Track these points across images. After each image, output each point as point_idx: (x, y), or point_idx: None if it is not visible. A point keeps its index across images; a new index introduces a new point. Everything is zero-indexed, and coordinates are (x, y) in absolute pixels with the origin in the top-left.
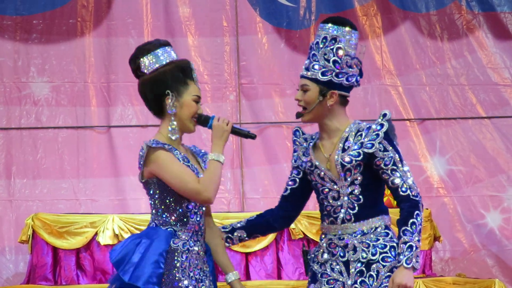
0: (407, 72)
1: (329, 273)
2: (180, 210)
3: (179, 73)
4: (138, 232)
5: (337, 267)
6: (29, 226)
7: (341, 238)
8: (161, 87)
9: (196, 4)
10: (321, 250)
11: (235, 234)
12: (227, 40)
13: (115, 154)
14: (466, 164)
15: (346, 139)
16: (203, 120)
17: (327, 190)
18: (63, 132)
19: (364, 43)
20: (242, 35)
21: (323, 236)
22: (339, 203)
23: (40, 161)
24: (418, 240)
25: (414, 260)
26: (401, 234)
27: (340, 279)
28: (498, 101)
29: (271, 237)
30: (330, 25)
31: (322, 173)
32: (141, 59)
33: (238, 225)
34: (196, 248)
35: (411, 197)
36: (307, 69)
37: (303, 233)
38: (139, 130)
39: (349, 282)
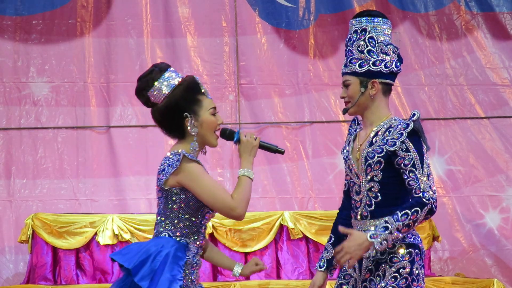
0: (406, 72)
1: (346, 268)
2: (195, 223)
3: (189, 93)
4: (138, 232)
5: None
6: (28, 226)
7: None
8: (177, 112)
9: (195, 5)
10: None
11: (334, 263)
12: (227, 40)
13: (115, 154)
14: (465, 164)
15: (376, 133)
16: (228, 135)
17: (352, 183)
18: (62, 132)
19: None
20: (242, 35)
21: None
22: (359, 198)
23: (40, 161)
24: (398, 230)
25: (379, 239)
26: (390, 215)
27: (354, 275)
28: (497, 101)
29: (270, 237)
30: (358, 18)
31: (351, 165)
32: (149, 91)
33: (329, 253)
34: (199, 263)
35: (422, 199)
36: (345, 65)
37: (302, 233)
38: (138, 130)
39: (360, 279)
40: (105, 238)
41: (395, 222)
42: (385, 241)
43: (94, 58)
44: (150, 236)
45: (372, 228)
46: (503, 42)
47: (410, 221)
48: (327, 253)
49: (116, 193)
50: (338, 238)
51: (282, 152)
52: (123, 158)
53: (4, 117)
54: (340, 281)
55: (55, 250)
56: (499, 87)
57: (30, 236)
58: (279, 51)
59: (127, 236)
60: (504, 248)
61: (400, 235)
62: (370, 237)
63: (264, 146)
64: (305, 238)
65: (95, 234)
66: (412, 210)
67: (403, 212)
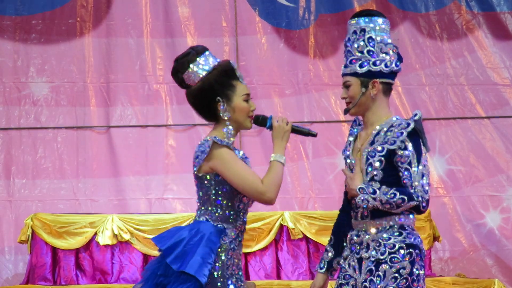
0: (407, 72)
1: (347, 268)
2: (233, 208)
3: (224, 77)
4: (138, 232)
5: (353, 263)
6: (28, 226)
7: (358, 235)
8: (210, 96)
9: (195, 4)
10: (346, 245)
11: (334, 264)
12: (226, 40)
13: (115, 154)
14: (466, 164)
15: (378, 133)
16: (261, 121)
17: None
18: (62, 132)
19: None
20: (241, 35)
21: (351, 231)
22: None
23: (39, 161)
24: (381, 201)
25: (362, 196)
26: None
27: (354, 276)
28: (497, 101)
29: (270, 237)
30: (356, 19)
31: (352, 165)
32: (184, 73)
33: (329, 255)
34: (238, 249)
35: (412, 195)
36: (345, 66)
37: (303, 233)
38: (138, 130)
39: (360, 280)
40: (104, 238)
41: (382, 193)
42: (366, 200)
43: (94, 58)
44: (150, 236)
45: (380, 226)
46: (503, 41)
47: (393, 202)
48: (328, 254)
49: (116, 193)
50: (338, 239)
51: (314, 135)
52: (123, 158)
53: (4, 117)
54: (340, 281)
55: (54, 250)
56: (500, 87)
57: (30, 236)
58: (279, 51)
59: (127, 236)
60: (504, 248)
61: (379, 206)
62: (359, 189)
63: (296, 130)
64: (305, 238)
65: (95, 234)
66: (401, 196)
67: (394, 191)
